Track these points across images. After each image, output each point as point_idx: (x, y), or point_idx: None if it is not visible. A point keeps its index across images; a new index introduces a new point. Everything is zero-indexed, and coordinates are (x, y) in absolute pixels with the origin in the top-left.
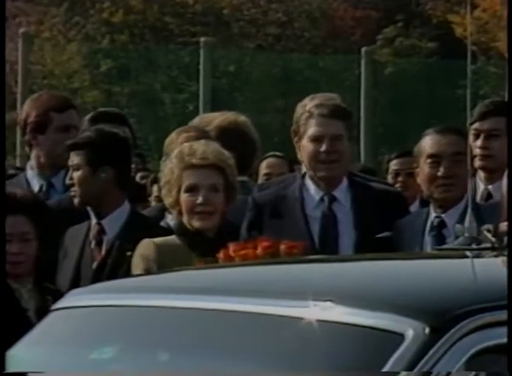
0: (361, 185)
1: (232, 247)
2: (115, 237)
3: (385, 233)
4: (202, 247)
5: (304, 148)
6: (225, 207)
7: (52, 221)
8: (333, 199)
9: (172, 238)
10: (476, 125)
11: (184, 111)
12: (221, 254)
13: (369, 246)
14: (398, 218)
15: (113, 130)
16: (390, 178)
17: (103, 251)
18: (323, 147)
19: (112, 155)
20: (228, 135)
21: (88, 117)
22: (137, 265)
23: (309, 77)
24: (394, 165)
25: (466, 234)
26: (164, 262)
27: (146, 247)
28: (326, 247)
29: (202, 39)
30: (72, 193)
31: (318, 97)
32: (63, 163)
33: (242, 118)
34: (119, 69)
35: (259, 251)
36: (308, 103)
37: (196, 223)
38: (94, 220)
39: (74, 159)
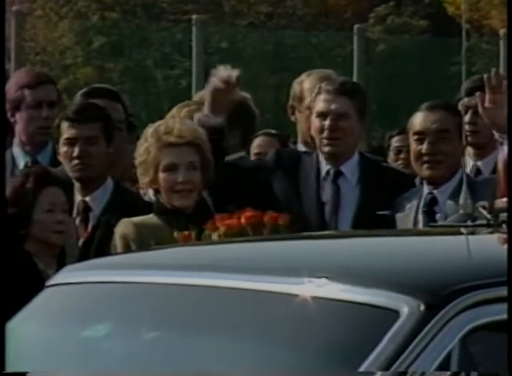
0: (372, 163)
1: (217, 217)
2: (100, 213)
3: (385, 211)
4: (181, 225)
5: (313, 123)
6: (203, 184)
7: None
8: (339, 174)
9: (150, 217)
10: (464, 101)
11: (176, 87)
12: (207, 225)
13: (369, 223)
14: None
15: (97, 106)
16: (391, 155)
17: (89, 228)
18: (327, 124)
19: (103, 130)
20: (231, 111)
21: (80, 92)
22: (116, 245)
23: (302, 54)
24: (395, 142)
25: (461, 211)
26: (143, 242)
27: (124, 226)
28: (325, 221)
29: (194, 17)
30: (78, 167)
31: (314, 73)
32: (40, 139)
33: (244, 94)
34: (111, 45)
35: (243, 220)
36: (306, 79)
37: (176, 202)
38: (79, 197)
39: (70, 133)
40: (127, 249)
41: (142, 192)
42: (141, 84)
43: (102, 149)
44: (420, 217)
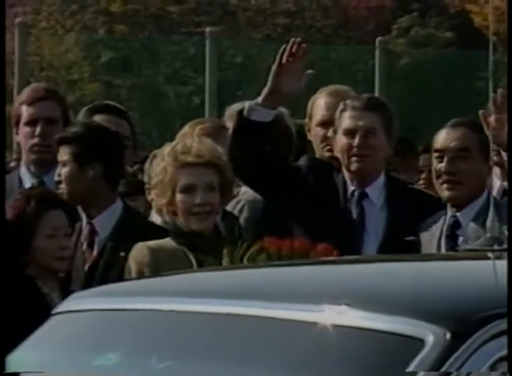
0: (398, 185)
1: (266, 239)
2: (107, 238)
3: (412, 237)
4: (200, 249)
5: (338, 142)
6: (222, 207)
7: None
8: (363, 195)
9: (167, 241)
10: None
11: (189, 105)
12: (254, 246)
13: (395, 248)
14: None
15: (103, 124)
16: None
17: (95, 253)
18: (355, 141)
19: (101, 151)
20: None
21: (84, 109)
22: (131, 271)
23: (321, 69)
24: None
25: (488, 234)
26: (159, 267)
27: (139, 251)
28: (348, 245)
29: (207, 29)
30: (60, 191)
31: (328, 89)
32: (38, 157)
33: (281, 109)
34: (120, 60)
35: (296, 245)
36: (320, 96)
37: (194, 225)
38: (85, 220)
39: (62, 154)
40: (141, 275)
41: (155, 215)
42: (151, 101)
43: (98, 173)
44: (443, 241)
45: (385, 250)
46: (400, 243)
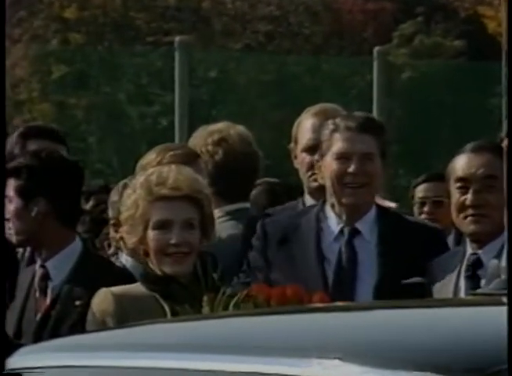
0: (393, 217)
1: (254, 286)
2: (62, 283)
3: (415, 279)
4: (175, 296)
5: (328, 167)
6: (201, 247)
7: None
8: (355, 232)
9: (136, 286)
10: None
11: (155, 127)
12: (241, 293)
13: (395, 294)
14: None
15: (56, 152)
16: (416, 208)
17: (48, 301)
18: (352, 168)
19: (47, 183)
20: (225, 151)
21: (15, 134)
22: (91, 321)
23: (309, 84)
24: (419, 192)
25: (503, 276)
26: (126, 316)
27: (102, 298)
28: (340, 293)
29: (177, 38)
30: (8, 231)
31: (314, 109)
32: None
33: (242, 130)
34: (75, 76)
35: (288, 293)
36: (305, 117)
37: (169, 267)
38: (38, 262)
39: (8, 188)
40: (104, 326)
41: (125, 256)
42: (111, 123)
43: (44, 209)
44: (462, 283)
45: (382, 295)
46: (400, 286)
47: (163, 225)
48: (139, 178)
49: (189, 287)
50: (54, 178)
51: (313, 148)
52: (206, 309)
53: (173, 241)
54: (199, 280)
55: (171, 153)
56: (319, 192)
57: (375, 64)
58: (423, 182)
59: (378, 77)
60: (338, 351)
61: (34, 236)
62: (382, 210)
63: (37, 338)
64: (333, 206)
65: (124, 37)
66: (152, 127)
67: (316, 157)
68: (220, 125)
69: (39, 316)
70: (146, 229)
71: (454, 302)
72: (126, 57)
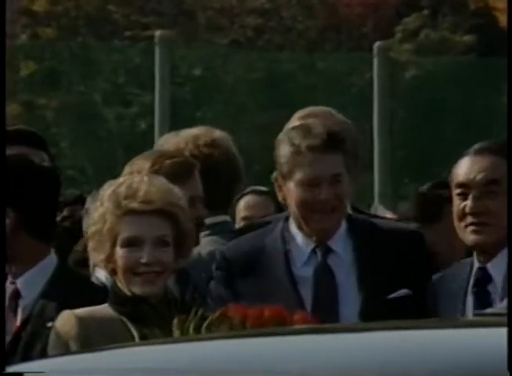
0: (364, 227)
1: (231, 306)
2: (33, 302)
3: (401, 291)
4: (145, 320)
5: (292, 194)
6: (176, 265)
7: None
8: (328, 251)
9: (103, 308)
10: None
11: (133, 130)
12: (216, 314)
13: (381, 313)
14: (418, 269)
15: (25, 158)
16: None
17: (18, 321)
18: (321, 194)
19: (17, 193)
20: (208, 160)
21: None
22: (53, 346)
23: (303, 83)
24: None
25: None
26: (90, 340)
27: (65, 321)
28: (321, 318)
29: (157, 33)
30: None
31: (303, 113)
32: None
33: (219, 135)
34: (45, 73)
35: (266, 314)
36: (292, 123)
37: (139, 288)
38: (8, 279)
39: None
40: (65, 350)
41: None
42: (85, 126)
43: (11, 221)
44: (470, 301)
45: (369, 316)
46: (386, 303)
47: (133, 243)
48: (107, 190)
49: (159, 308)
50: (24, 187)
51: None
52: (176, 333)
53: (144, 260)
54: (170, 301)
55: (169, 161)
56: None
57: (375, 61)
58: (430, 188)
59: (379, 75)
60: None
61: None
62: (352, 221)
63: (7, 362)
64: (300, 227)
65: (99, 32)
66: (130, 130)
67: (274, 174)
68: (194, 130)
69: (9, 338)
70: (113, 245)
71: (458, 324)
72: (101, 53)
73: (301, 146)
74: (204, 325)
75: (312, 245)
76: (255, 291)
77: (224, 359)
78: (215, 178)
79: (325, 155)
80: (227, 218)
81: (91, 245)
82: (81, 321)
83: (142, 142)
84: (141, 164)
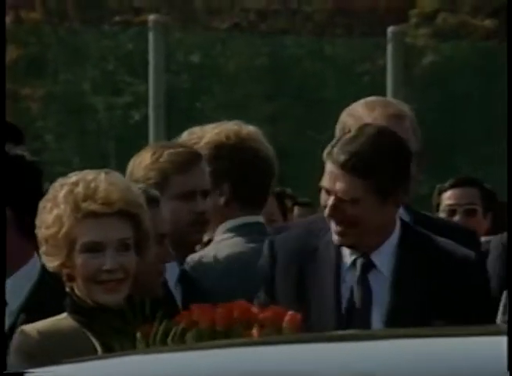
0: (418, 243)
1: (194, 307)
2: (19, 309)
3: (440, 323)
4: (107, 330)
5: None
6: (137, 268)
7: None
8: (368, 264)
9: (63, 318)
10: None
11: (125, 121)
12: (176, 318)
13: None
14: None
15: (13, 152)
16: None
17: (6, 329)
18: (328, 205)
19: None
20: (226, 156)
21: None
22: (11, 363)
23: (310, 71)
24: (447, 199)
25: None
26: (51, 354)
27: (23, 337)
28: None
29: (151, 17)
30: None
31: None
32: None
33: (250, 130)
34: (29, 60)
35: (235, 314)
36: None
37: (101, 297)
38: None
39: None
40: (28, 365)
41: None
42: (73, 116)
43: None
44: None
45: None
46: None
47: (93, 248)
48: (60, 190)
49: (122, 318)
50: (10, 182)
51: None
52: (142, 344)
53: (107, 267)
54: (134, 309)
55: (171, 151)
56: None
57: (389, 47)
58: (451, 187)
59: (393, 62)
60: None
61: None
62: (406, 233)
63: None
64: None
65: (89, 16)
66: (122, 121)
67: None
68: (230, 124)
69: None
70: (71, 251)
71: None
72: (91, 39)
73: (331, 150)
74: (170, 336)
75: (355, 256)
76: (300, 291)
77: (243, 367)
78: (254, 175)
79: (341, 173)
80: (260, 219)
81: (43, 250)
82: (41, 336)
83: (134, 135)
84: (144, 154)
